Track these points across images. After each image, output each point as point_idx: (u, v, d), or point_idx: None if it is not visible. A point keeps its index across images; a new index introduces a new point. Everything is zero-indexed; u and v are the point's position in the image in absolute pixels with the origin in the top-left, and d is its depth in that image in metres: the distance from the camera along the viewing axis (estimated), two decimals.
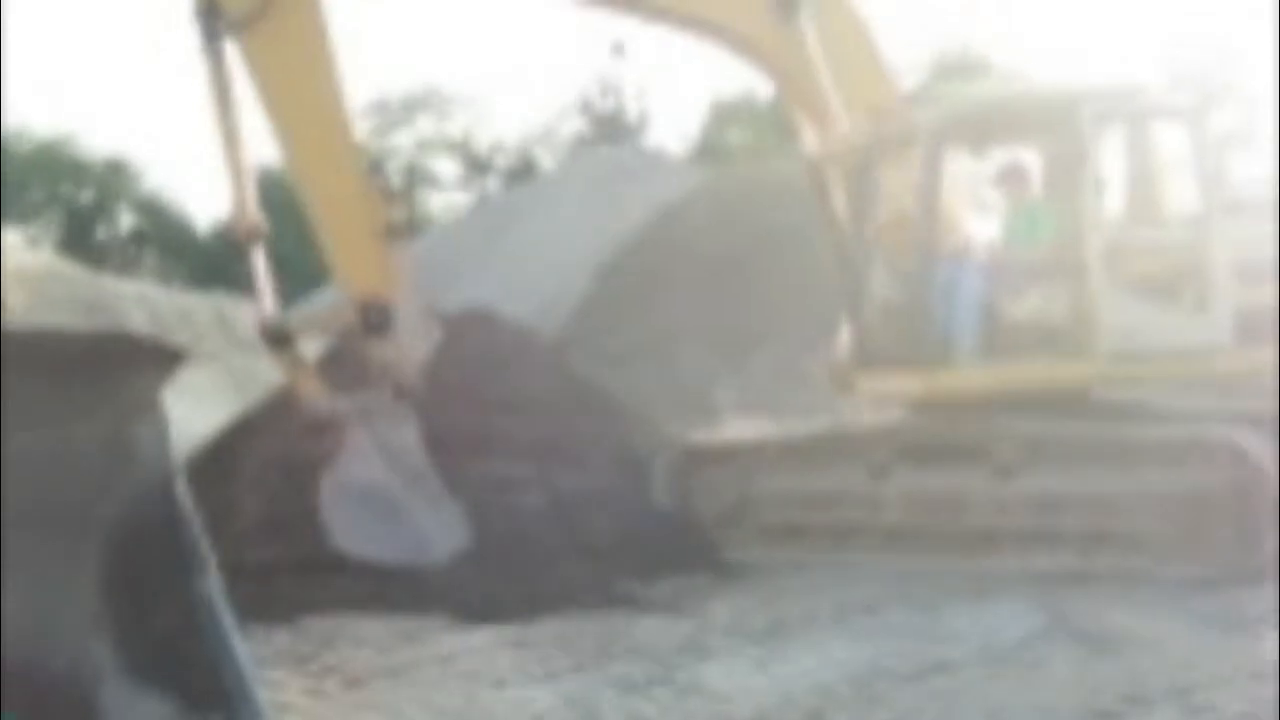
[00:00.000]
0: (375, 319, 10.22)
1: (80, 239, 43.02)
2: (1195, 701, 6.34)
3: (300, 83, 10.22)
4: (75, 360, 4.24)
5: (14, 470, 4.09)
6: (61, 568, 4.26)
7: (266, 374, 12.06)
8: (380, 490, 10.07)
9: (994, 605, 8.74)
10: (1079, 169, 10.14)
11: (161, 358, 4.38)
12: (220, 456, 10.50)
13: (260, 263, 10.61)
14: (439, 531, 9.99)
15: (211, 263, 39.05)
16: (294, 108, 10.25)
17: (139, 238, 46.84)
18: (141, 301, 20.53)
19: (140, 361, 4.33)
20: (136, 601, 4.37)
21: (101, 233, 46.32)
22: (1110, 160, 10.57)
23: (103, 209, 46.56)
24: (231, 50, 10.21)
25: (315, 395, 10.38)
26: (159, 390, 4.36)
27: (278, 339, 10.55)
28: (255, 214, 10.56)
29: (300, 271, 18.02)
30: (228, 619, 4.46)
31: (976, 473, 10.12)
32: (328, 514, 9.92)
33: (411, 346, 10.34)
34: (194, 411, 10.59)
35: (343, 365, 10.65)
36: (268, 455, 10.66)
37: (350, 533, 9.89)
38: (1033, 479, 9.93)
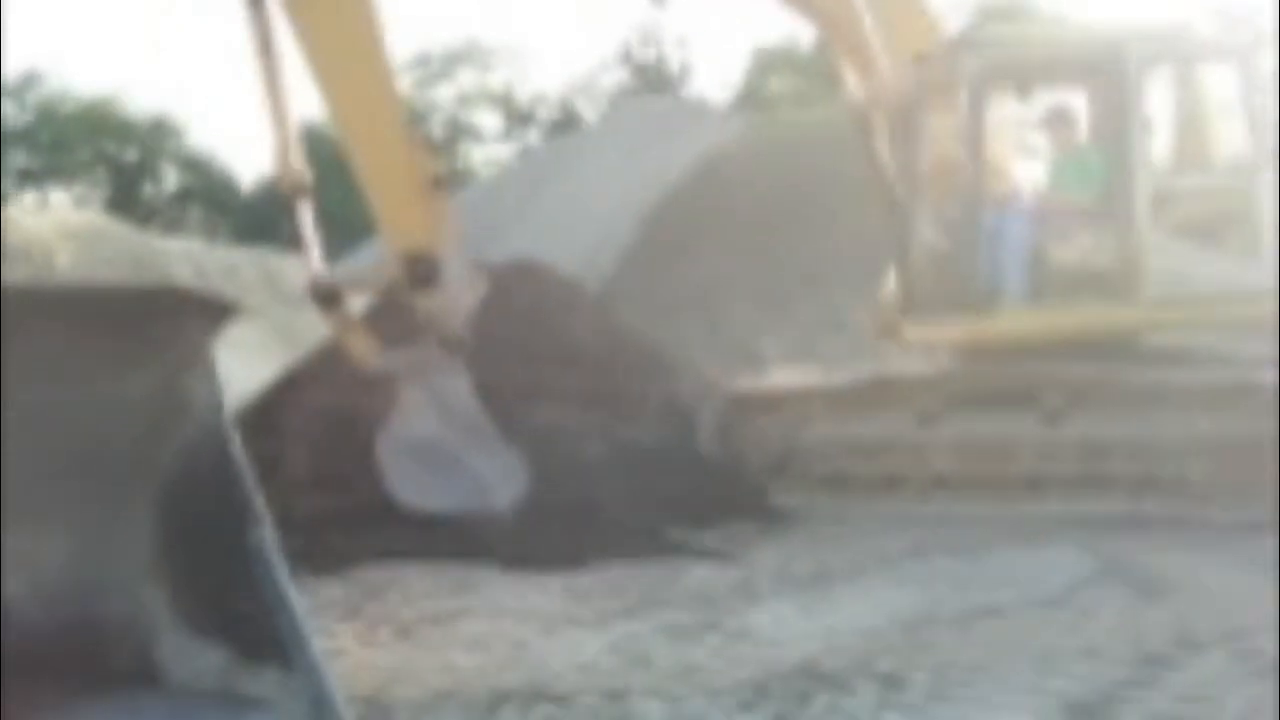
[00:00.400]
0: (422, 271, 10.24)
1: (126, 197, 43.32)
2: (1244, 646, 6.32)
3: (343, 35, 10.22)
4: (126, 313, 4.27)
5: (68, 422, 4.14)
6: (116, 519, 4.31)
7: (312, 329, 12.11)
8: (437, 443, 10.14)
9: (1042, 551, 8.74)
10: (1126, 112, 10.08)
11: (212, 311, 4.40)
12: (268, 410, 10.58)
13: (306, 217, 10.64)
14: (499, 479, 10.06)
15: (256, 219, 39.25)
16: (337, 60, 10.25)
17: (184, 195, 47.11)
18: (187, 258, 20.68)
19: (191, 314, 4.35)
20: (191, 553, 4.42)
21: (147, 191, 46.61)
22: (1158, 102, 10.48)
23: (148, 167, 46.81)
24: (274, 3, 10.22)
25: (366, 353, 10.42)
26: (210, 343, 4.39)
27: (327, 298, 10.58)
28: (300, 168, 10.59)
29: (345, 226, 18.08)
30: (282, 570, 4.50)
31: (1024, 419, 10.10)
32: (387, 470, 10.00)
33: (458, 298, 10.36)
34: (241, 366, 10.64)
35: (390, 320, 10.69)
36: (315, 409, 10.73)
37: (411, 487, 9.97)
38: (1080, 425, 9.91)
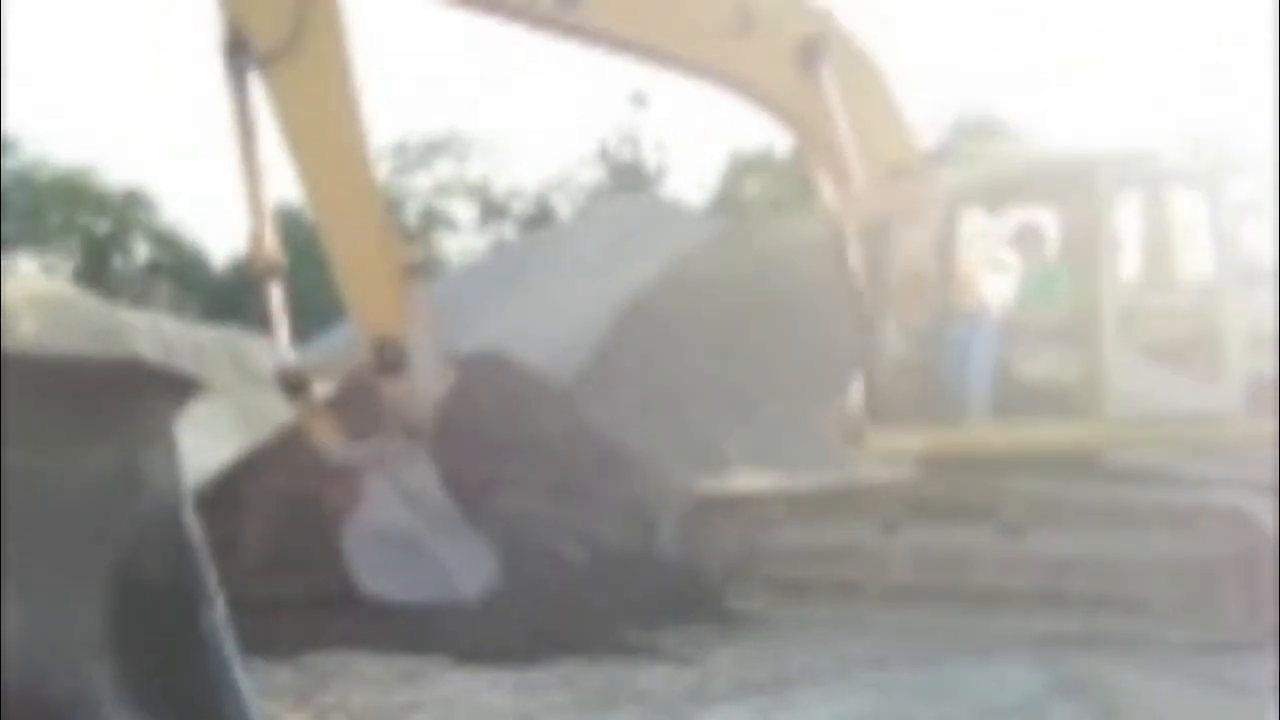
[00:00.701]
0: (390, 357, 10.24)
1: (96, 269, 43.21)
2: None
3: (326, 119, 10.28)
4: (89, 386, 4.24)
5: (24, 494, 4.10)
6: (67, 593, 4.25)
7: (276, 410, 12.07)
8: (403, 532, 10.09)
9: (998, 665, 8.71)
10: (1095, 232, 10.18)
11: (175, 387, 4.38)
12: (227, 490, 10.53)
13: (277, 300, 10.62)
14: (465, 568, 10.01)
15: (226, 297, 39.14)
16: (318, 144, 10.30)
17: (154, 269, 46.99)
18: (154, 333, 20.57)
19: (154, 389, 4.33)
20: (142, 632, 4.36)
21: (118, 263, 46.49)
22: (1126, 224, 10.60)
23: (119, 240, 46.74)
24: (256, 84, 10.28)
25: (331, 442, 10.37)
26: (172, 419, 4.37)
27: (294, 385, 10.54)
28: (274, 250, 10.59)
29: (316, 310, 18.06)
30: (231, 652, 4.45)
31: (985, 531, 10.10)
32: (353, 560, 9.94)
33: (425, 386, 10.35)
34: (203, 445, 10.59)
35: (355, 406, 10.66)
36: (274, 491, 10.69)
37: (378, 577, 9.91)
38: (1040, 540, 9.91)
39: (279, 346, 10.66)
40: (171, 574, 4.44)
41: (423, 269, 11.05)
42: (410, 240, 11.05)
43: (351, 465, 10.21)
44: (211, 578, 4.49)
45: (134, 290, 42.81)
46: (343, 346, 13.80)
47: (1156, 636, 9.20)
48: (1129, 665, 8.55)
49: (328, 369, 11.79)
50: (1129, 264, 10.72)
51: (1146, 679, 8.23)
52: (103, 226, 46.31)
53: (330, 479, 10.29)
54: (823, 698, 7.89)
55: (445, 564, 10.04)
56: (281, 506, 10.55)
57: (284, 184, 10.71)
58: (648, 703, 7.74)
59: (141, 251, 47.52)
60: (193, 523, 4.47)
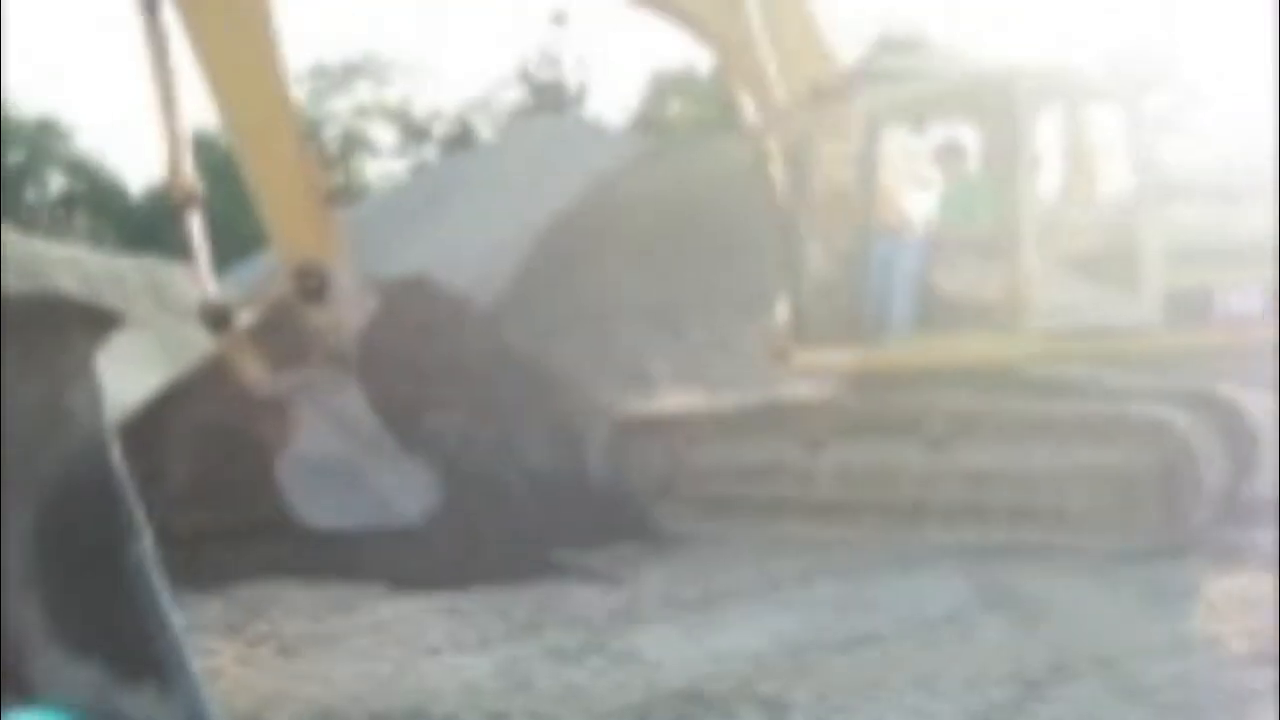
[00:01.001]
0: (312, 284, 10.17)
1: (9, 201, 42.41)
2: (1120, 671, 6.45)
3: (238, 45, 10.13)
4: (5, 323, 4.19)
5: None
6: None
7: (198, 340, 11.96)
8: (338, 460, 10.06)
9: (923, 577, 8.84)
10: (1015, 147, 10.23)
11: (94, 321, 4.33)
12: (150, 422, 10.43)
13: (196, 229, 10.51)
14: (406, 491, 10.00)
15: (144, 226, 38.61)
16: (232, 71, 10.16)
17: (69, 200, 46.25)
18: (73, 265, 20.28)
19: (73, 325, 4.28)
20: (68, 568, 4.34)
21: (31, 195, 45.69)
22: (1046, 140, 10.66)
23: (32, 170, 45.92)
24: (169, 11, 10.11)
25: (257, 375, 10.29)
26: (92, 354, 4.32)
27: (217, 319, 10.44)
28: (191, 179, 10.46)
29: (235, 237, 17.87)
30: (161, 586, 4.43)
31: (908, 446, 10.22)
32: (290, 492, 9.89)
33: (347, 313, 10.30)
34: (125, 376, 10.49)
35: (278, 337, 10.58)
36: (198, 422, 10.60)
37: (316, 506, 9.88)
38: (963, 453, 10.03)
39: (200, 278, 10.56)
40: (97, 509, 4.42)
41: (343, 196, 10.94)
42: (329, 167, 10.90)
43: (280, 396, 10.15)
44: (137, 512, 4.47)
45: (49, 222, 42.16)
46: (264, 276, 13.66)
47: (1078, 546, 9.37)
48: (1052, 574, 8.71)
49: (250, 300, 11.67)
50: (1049, 179, 10.79)
51: (1069, 587, 8.39)
52: (15, 157, 45.46)
53: (257, 410, 10.24)
54: (751, 615, 7.98)
55: (384, 488, 10.05)
56: (205, 437, 10.48)
57: (200, 109, 10.57)
58: (579, 626, 7.80)
59: (56, 182, 46.75)
60: (117, 458, 4.44)
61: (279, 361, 10.33)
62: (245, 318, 10.73)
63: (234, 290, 12.66)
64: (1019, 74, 10.32)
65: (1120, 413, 9.78)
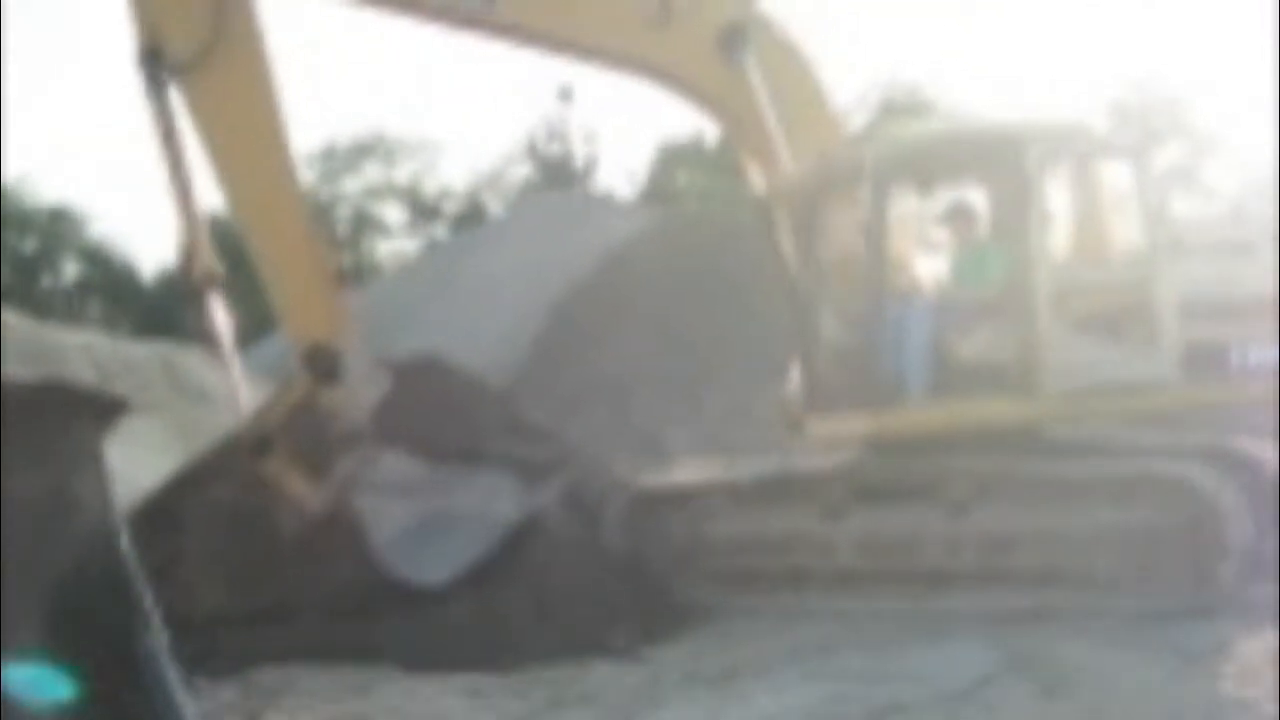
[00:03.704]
0: (323, 365, 10.15)
1: (24, 288, 42.63)
2: None
3: (244, 128, 10.17)
4: (14, 411, 4.16)
5: None
6: (2, 621, 4.17)
7: (211, 423, 11.95)
8: (419, 518, 10.06)
9: (949, 645, 8.72)
10: (1025, 207, 10.19)
11: (102, 408, 4.31)
12: (165, 507, 10.37)
13: (219, 312, 10.47)
14: (493, 497, 10.11)
15: (157, 310, 38.78)
16: (239, 153, 10.19)
17: (84, 286, 46.48)
18: (86, 351, 20.31)
19: (81, 412, 4.25)
20: (80, 657, 4.28)
21: (46, 281, 45.93)
22: (1056, 198, 10.63)
23: (47, 257, 46.19)
24: (176, 94, 10.16)
25: (306, 494, 10.21)
26: (100, 441, 4.29)
27: (259, 447, 10.31)
28: (211, 260, 10.46)
29: (249, 319, 17.89)
30: (174, 674, 4.37)
31: (929, 512, 10.11)
32: (403, 576, 9.76)
33: (360, 392, 10.28)
34: (139, 461, 10.48)
35: (303, 436, 10.47)
36: (213, 505, 10.54)
37: (432, 568, 9.79)
38: (985, 518, 9.93)
39: (228, 369, 10.47)
40: (108, 599, 4.37)
41: (354, 275, 10.95)
42: (338, 247, 10.93)
43: (332, 507, 10.07)
44: (149, 600, 4.42)
45: (64, 308, 42.35)
46: (276, 359, 13.64)
47: (1104, 608, 9.23)
48: (1078, 639, 8.58)
49: (278, 411, 11.31)
50: (1060, 238, 10.75)
51: (1096, 652, 8.26)
52: (30, 245, 45.74)
53: (268, 488, 10.21)
54: (774, 688, 7.87)
55: (473, 509, 10.03)
56: (220, 520, 10.41)
57: (212, 194, 10.58)
58: (597, 703, 7.70)
59: (70, 269, 47.00)
60: (127, 545, 4.40)
61: (313, 464, 10.25)
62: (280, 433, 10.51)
63: (254, 367, 12.59)
64: (1028, 134, 10.31)
65: (1142, 471, 9.68)
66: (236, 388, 10.61)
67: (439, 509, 10.11)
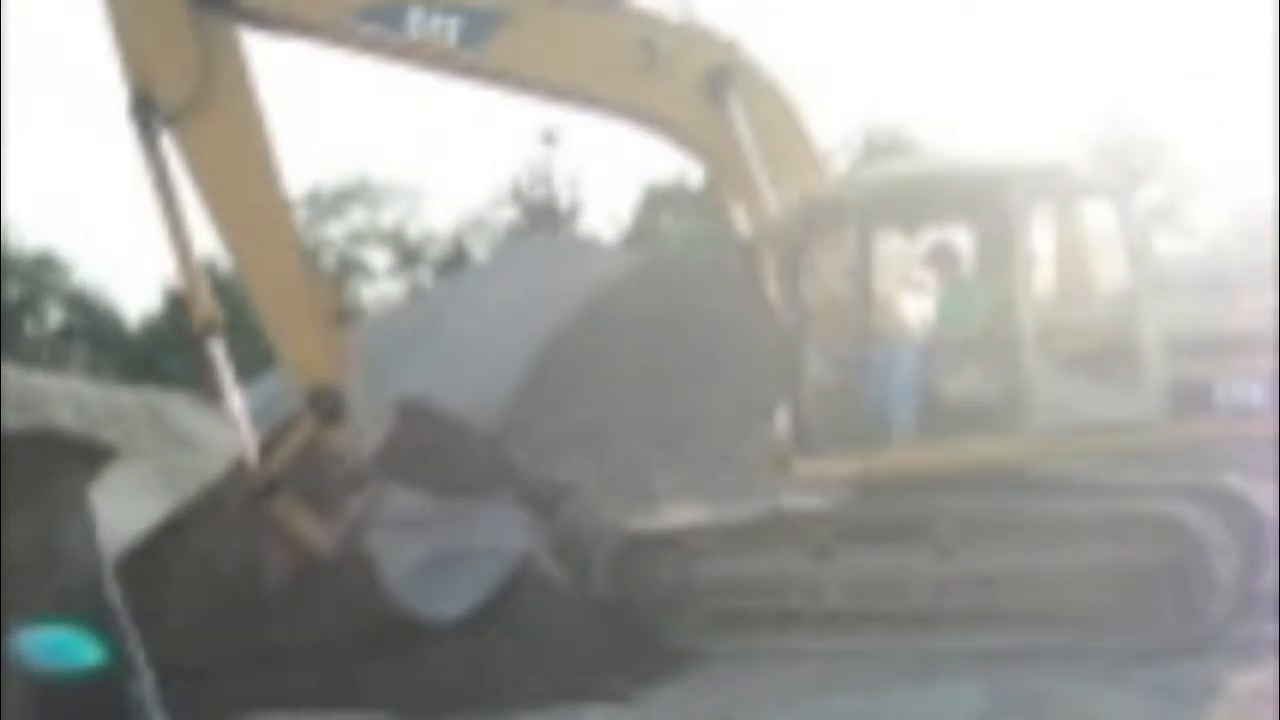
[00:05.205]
0: (327, 405, 10.16)
1: (9, 334, 42.54)
2: None
3: (239, 173, 10.21)
4: (3, 458, 4.16)
5: None
6: None
7: (198, 469, 11.90)
8: (433, 553, 10.03)
9: (939, 685, 8.71)
10: (1008, 247, 10.24)
11: (88, 455, 4.31)
12: (151, 554, 10.32)
13: (220, 357, 10.45)
14: (504, 528, 10.07)
15: (142, 357, 38.70)
16: (233, 197, 10.23)
17: (68, 333, 46.40)
18: (71, 397, 20.24)
19: (66, 460, 4.25)
20: (66, 706, 4.26)
21: (30, 328, 45.85)
22: (1039, 237, 10.67)
23: (31, 304, 46.13)
24: (167, 141, 10.20)
25: (318, 537, 10.18)
26: (85, 488, 4.29)
27: (267, 490, 10.28)
28: (210, 305, 10.45)
29: (251, 357, 17.85)
30: None
31: (917, 553, 10.11)
32: (420, 612, 9.72)
33: (365, 431, 10.29)
34: (126, 508, 10.42)
35: (309, 477, 10.45)
36: (199, 552, 10.49)
37: (450, 603, 9.76)
38: (973, 558, 9.93)
39: (246, 450, 10.41)
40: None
41: (349, 315, 10.96)
42: (335, 286, 10.95)
43: (344, 548, 10.03)
44: (137, 648, 4.41)
45: (48, 355, 42.24)
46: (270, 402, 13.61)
47: (1093, 647, 9.24)
48: (1068, 678, 8.58)
49: (286, 455, 11.24)
50: (1044, 277, 10.78)
51: (1086, 691, 8.26)
52: (13, 292, 45.67)
53: (255, 535, 10.17)
54: None
55: (486, 538, 10.00)
56: (207, 567, 10.36)
57: (202, 236, 10.58)
58: None
59: (55, 315, 46.94)
60: (113, 593, 4.39)
61: (317, 505, 10.23)
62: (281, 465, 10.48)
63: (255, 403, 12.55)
64: (1010, 173, 10.37)
65: (1130, 510, 9.71)
66: (243, 433, 10.55)
67: (451, 544, 10.10)
